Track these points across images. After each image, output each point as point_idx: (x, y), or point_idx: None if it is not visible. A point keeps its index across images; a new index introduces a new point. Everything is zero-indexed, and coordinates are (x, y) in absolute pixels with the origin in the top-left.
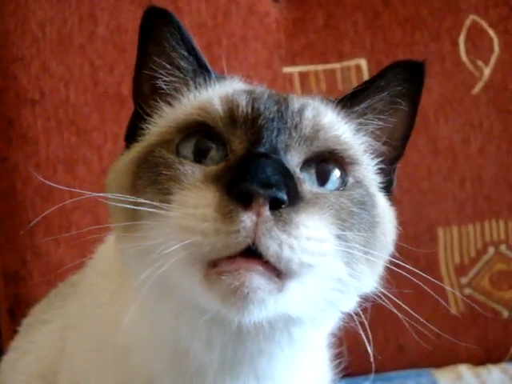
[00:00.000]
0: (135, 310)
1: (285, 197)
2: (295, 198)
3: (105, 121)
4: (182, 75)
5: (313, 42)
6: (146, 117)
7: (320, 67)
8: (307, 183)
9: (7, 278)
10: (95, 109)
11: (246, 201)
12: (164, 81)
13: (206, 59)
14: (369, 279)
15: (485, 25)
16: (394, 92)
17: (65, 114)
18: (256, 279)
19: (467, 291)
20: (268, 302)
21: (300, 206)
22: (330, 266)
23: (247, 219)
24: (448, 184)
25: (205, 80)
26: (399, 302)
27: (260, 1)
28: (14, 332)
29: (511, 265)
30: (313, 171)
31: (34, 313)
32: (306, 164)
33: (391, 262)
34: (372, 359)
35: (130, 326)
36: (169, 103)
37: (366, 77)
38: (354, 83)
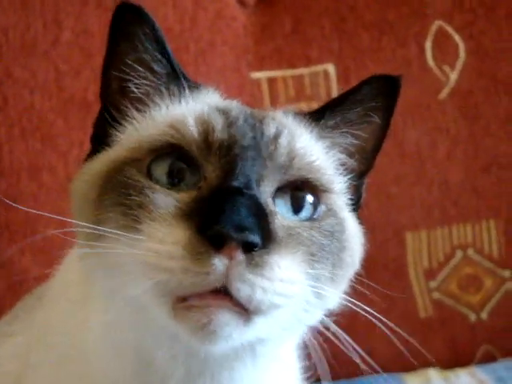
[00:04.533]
0: (100, 319)
1: (258, 240)
2: (268, 239)
3: (70, 127)
4: (154, 79)
5: (280, 47)
6: (114, 122)
7: (288, 72)
8: (279, 216)
9: None
10: (60, 115)
11: (218, 243)
12: (135, 83)
13: (179, 64)
14: (334, 297)
15: (451, 30)
16: (369, 106)
17: (29, 121)
18: (224, 316)
19: (436, 295)
20: (234, 335)
21: (272, 248)
22: (297, 302)
23: (218, 262)
24: (416, 188)
25: (179, 89)
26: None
27: (227, 5)
28: None
29: (478, 268)
30: (288, 198)
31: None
32: (280, 190)
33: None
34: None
35: (94, 336)
36: (139, 110)
37: (333, 82)
38: (322, 88)
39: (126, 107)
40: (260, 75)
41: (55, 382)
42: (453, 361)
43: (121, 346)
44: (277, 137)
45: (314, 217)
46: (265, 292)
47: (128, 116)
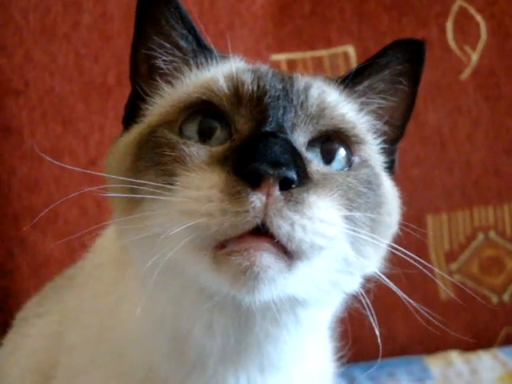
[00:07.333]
0: (135, 299)
1: (295, 176)
2: (304, 177)
3: (91, 111)
4: (181, 54)
5: (300, 28)
6: (145, 97)
7: (308, 54)
8: (314, 163)
9: None
10: (81, 98)
11: (254, 181)
12: (163, 60)
13: (204, 38)
14: (373, 260)
15: (472, 10)
16: (395, 71)
17: (50, 104)
18: (266, 258)
19: (457, 277)
20: (278, 280)
21: (309, 187)
22: (337, 248)
23: (256, 199)
24: (437, 171)
25: (206, 59)
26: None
27: None
28: (3, 326)
29: (500, 251)
30: (318, 151)
31: (29, 306)
32: (311, 144)
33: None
34: (381, 344)
35: (129, 316)
36: (169, 82)
37: (353, 64)
38: (342, 70)
39: (157, 82)
40: (280, 57)
41: (91, 361)
42: (474, 343)
43: (157, 325)
44: (307, 88)
45: (349, 167)
46: (304, 231)
47: (158, 90)
